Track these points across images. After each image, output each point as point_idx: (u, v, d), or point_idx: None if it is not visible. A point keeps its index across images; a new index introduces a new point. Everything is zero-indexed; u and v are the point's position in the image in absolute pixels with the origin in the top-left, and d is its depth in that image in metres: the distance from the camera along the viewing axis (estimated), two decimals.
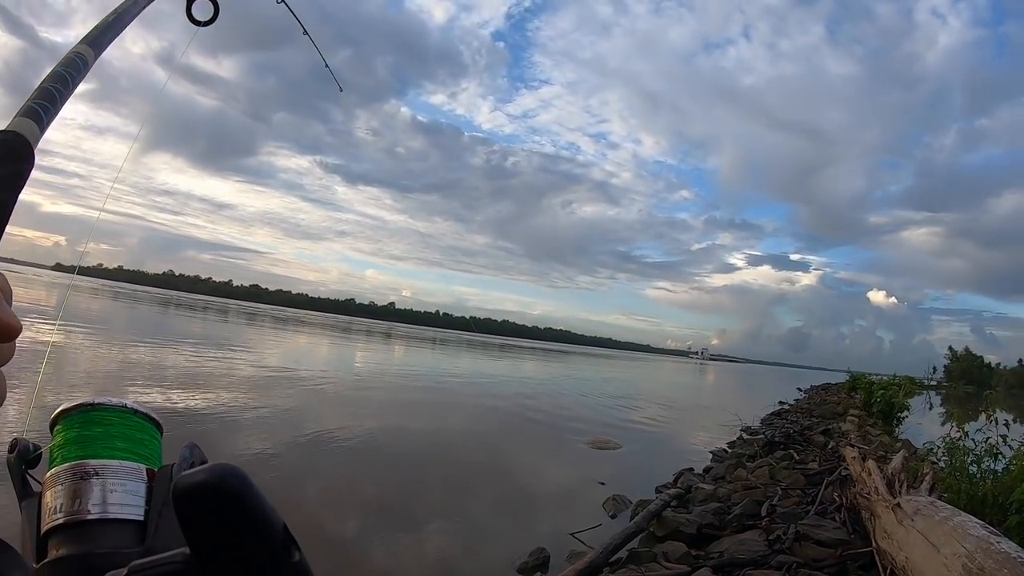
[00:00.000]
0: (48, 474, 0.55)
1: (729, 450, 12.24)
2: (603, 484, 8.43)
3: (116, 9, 0.77)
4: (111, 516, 0.52)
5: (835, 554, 4.67)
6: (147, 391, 10.75)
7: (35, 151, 0.53)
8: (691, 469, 9.80)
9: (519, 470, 9.25)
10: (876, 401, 18.24)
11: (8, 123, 0.54)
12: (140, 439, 0.58)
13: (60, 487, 0.53)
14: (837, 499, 6.16)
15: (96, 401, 0.57)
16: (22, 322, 0.44)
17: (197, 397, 10.95)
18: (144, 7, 0.93)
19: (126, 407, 0.58)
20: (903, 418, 16.98)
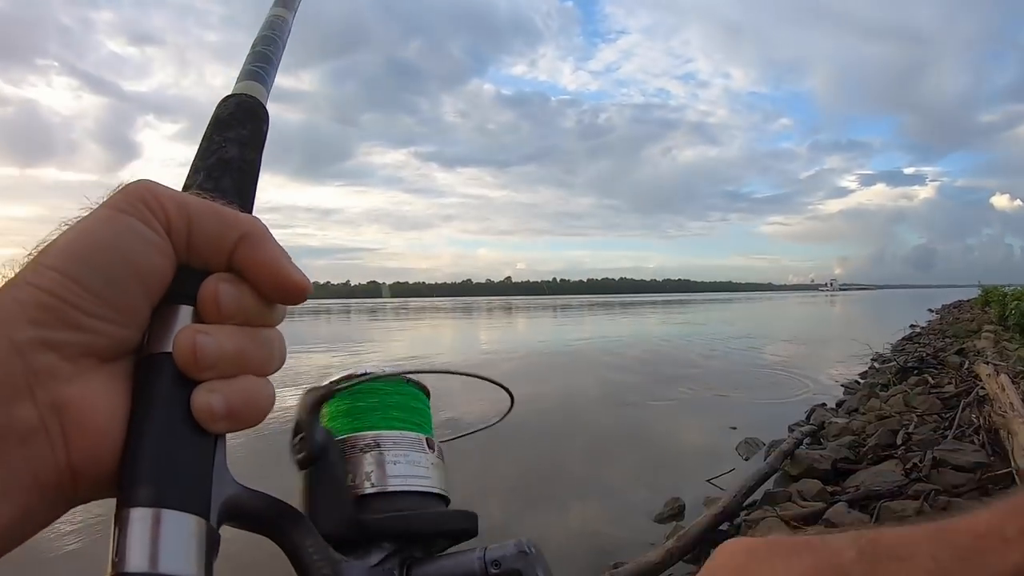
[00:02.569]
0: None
1: (861, 381, 11.95)
2: (735, 429, 8.51)
3: None
4: (408, 488, 0.48)
5: (974, 478, 4.67)
6: (282, 396, 11.58)
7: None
8: (823, 404, 9.73)
9: (650, 425, 9.46)
10: (1011, 314, 17.06)
11: (234, 88, 0.53)
12: (414, 407, 0.54)
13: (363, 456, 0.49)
14: (975, 420, 6.06)
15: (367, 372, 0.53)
16: None
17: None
18: None
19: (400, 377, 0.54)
20: None
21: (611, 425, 9.30)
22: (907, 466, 5.28)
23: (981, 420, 5.87)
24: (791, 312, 57.32)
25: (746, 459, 7.19)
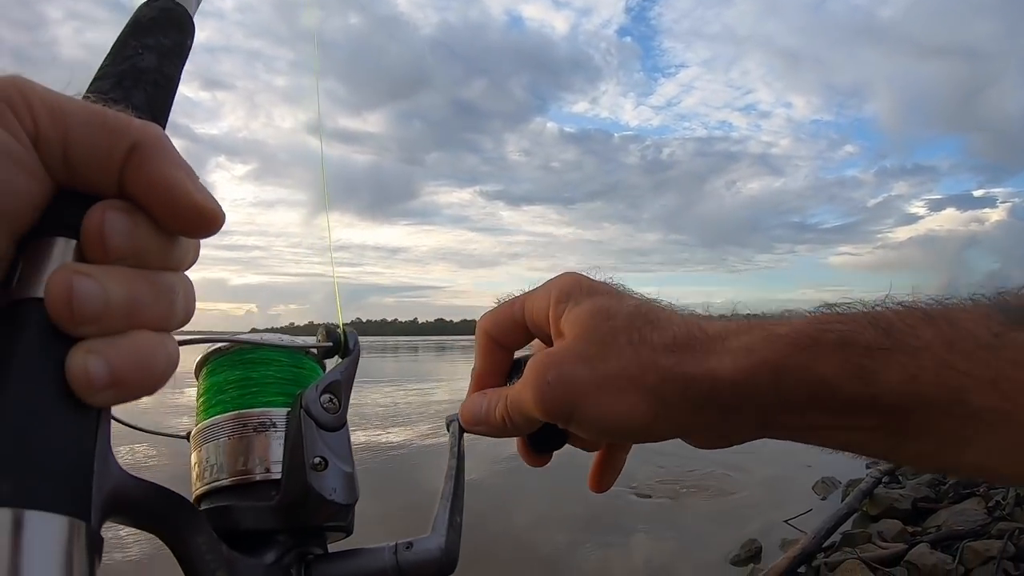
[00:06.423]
0: None
1: None
2: (810, 467, 8.34)
3: None
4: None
5: None
6: (353, 432, 11.51)
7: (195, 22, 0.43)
8: None
9: (727, 465, 9.32)
10: None
11: None
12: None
13: None
14: None
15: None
16: None
17: (393, 432, 11.70)
18: None
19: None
20: None
21: (684, 474, 9.17)
22: (989, 504, 5.16)
23: None
24: None
25: (823, 499, 7.06)
